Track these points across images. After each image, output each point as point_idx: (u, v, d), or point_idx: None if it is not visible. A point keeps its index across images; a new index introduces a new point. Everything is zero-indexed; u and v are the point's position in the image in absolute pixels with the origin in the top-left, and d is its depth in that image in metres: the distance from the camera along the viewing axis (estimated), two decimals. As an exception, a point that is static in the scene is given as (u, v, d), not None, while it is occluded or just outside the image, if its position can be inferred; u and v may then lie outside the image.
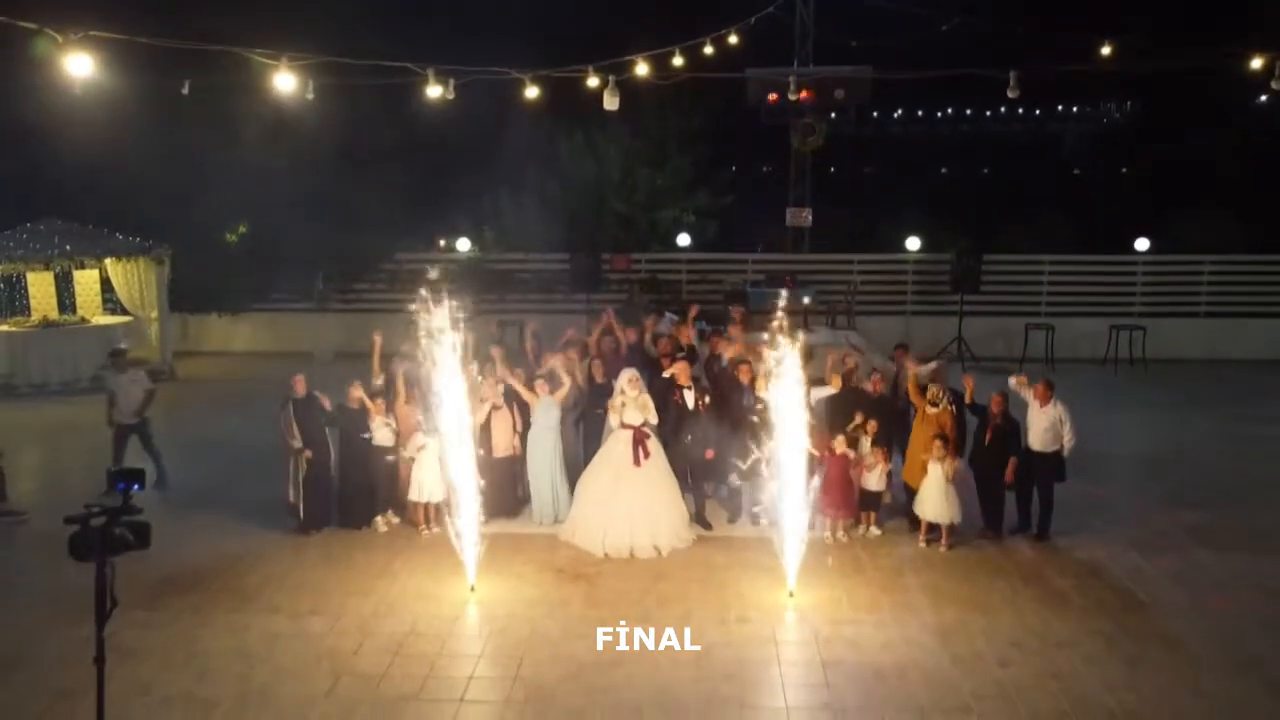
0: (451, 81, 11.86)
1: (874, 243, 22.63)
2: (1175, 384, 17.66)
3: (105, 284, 19.15)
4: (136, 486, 4.31)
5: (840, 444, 10.11)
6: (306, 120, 15.21)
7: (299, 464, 10.35)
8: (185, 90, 11.79)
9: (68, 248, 17.54)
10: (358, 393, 10.52)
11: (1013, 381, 10.56)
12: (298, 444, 10.30)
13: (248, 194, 18.22)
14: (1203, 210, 24.04)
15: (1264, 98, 26.99)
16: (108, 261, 18.34)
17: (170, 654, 7.99)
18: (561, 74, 13.35)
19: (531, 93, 13.85)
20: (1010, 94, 13.34)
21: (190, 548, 9.89)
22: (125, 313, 19.03)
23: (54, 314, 18.58)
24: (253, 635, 8.34)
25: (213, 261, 19.76)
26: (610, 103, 13.48)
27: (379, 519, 10.71)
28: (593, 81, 13.32)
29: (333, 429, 10.66)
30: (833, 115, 21.48)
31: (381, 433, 10.52)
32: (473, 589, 9.12)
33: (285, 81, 11.14)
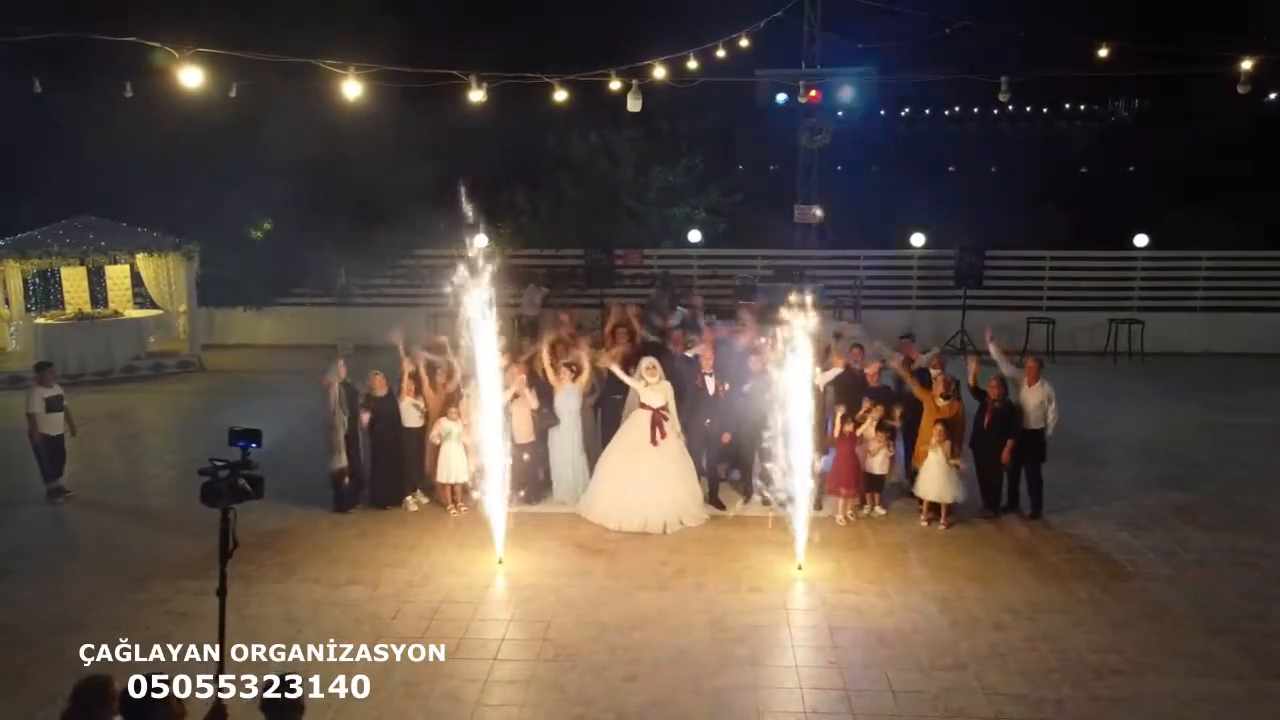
0: (485, 85, 12.47)
1: (880, 239, 23.13)
2: (1171, 376, 18.18)
3: (135, 278, 19.78)
4: (254, 445, 4.91)
5: (849, 427, 10.68)
6: (337, 120, 15.75)
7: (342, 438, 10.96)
8: (232, 93, 12.35)
9: (101, 243, 18.16)
10: (382, 380, 11.11)
11: (991, 344, 11.21)
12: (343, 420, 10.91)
13: (273, 191, 18.79)
14: (1205, 208, 24.52)
15: (1273, 95, 27.44)
16: (138, 257, 18.98)
17: (220, 619, 8.59)
18: (587, 78, 13.93)
19: (560, 96, 14.39)
20: (1001, 98, 13.88)
21: (232, 525, 10.49)
22: (154, 306, 19.67)
23: (87, 307, 19.23)
24: (297, 603, 8.96)
25: (238, 257, 20.39)
26: (633, 104, 14.05)
27: (409, 499, 11.33)
28: (615, 85, 13.89)
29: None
30: (839, 114, 21.99)
31: (410, 415, 11.12)
32: (500, 562, 9.74)
33: (352, 89, 11.65)
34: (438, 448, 11.08)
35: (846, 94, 19.98)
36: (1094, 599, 8.97)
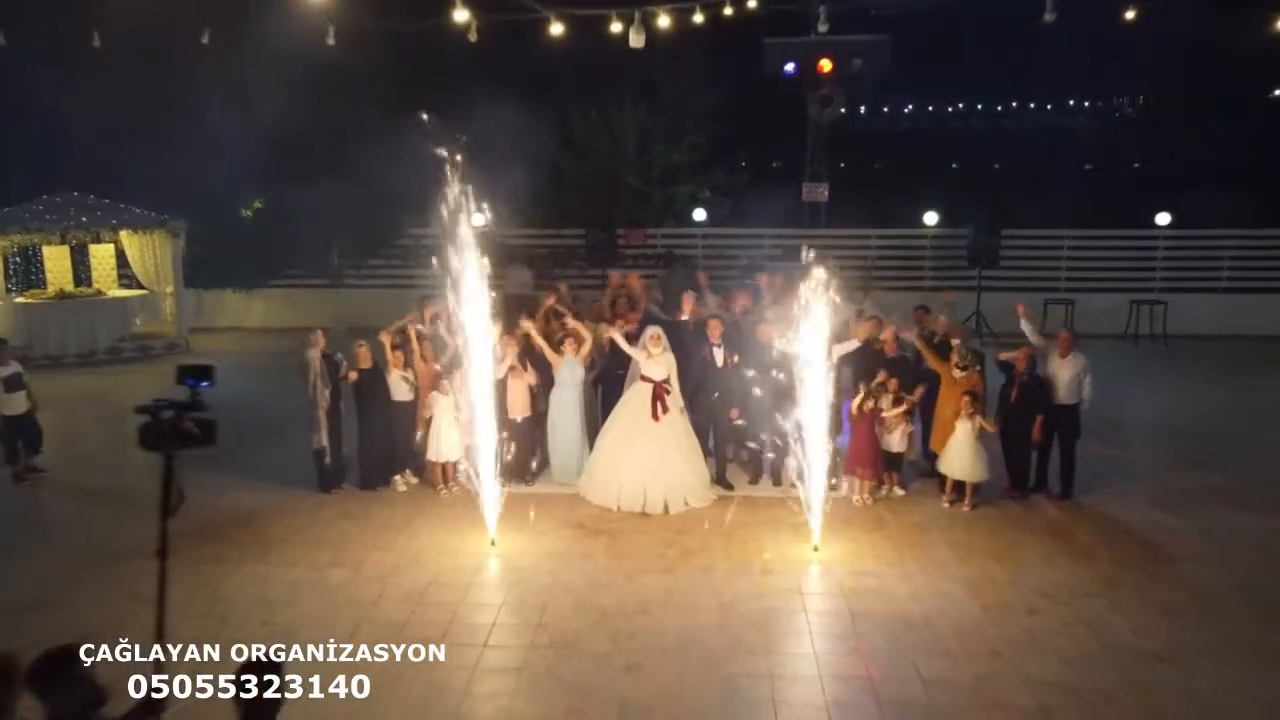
0: (474, 24, 11.75)
1: (890, 221, 22.39)
2: (1195, 358, 17.45)
3: (120, 257, 19.08)
4: (205, 384, 4.19)
5: (868, 403, 10.00)
6: (325, 79, 15.00)
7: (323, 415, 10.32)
8: (205, 39, 11.66)
9: (84, 220, 17.47)
10: (367, 351, 10.46)
11: (1022, 320, 10.50)
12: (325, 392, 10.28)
13: (263, 168, 18.12)
14: (1208, 201, 23.76)
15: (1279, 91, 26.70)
16: (123, 234, 18.28)
17: (193, 601, 7.97)
18: (585, 13, 13.22)
19: (556, 29, 13.56)
20: (1048, 17, 13.09)
21: (210, 504, 9.85)
22: (140, 287, 18.99)
23: (69, 286, 18.53)
24: (274, 585, 8.33)
25: (228, 237, 19.71)
26: (635, 40, 13.32)
27: (397, 478, 10.68)
28: (615, 27, 13.17)
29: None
30: (841, 110, 21.24)
31: (399, 388, 10.46)
32: (493, 543, 9.08)
33: None
34: (429, 423, 10.43)
35: (858, 64, 19.20)
36: (1134, 582, 8.30)
